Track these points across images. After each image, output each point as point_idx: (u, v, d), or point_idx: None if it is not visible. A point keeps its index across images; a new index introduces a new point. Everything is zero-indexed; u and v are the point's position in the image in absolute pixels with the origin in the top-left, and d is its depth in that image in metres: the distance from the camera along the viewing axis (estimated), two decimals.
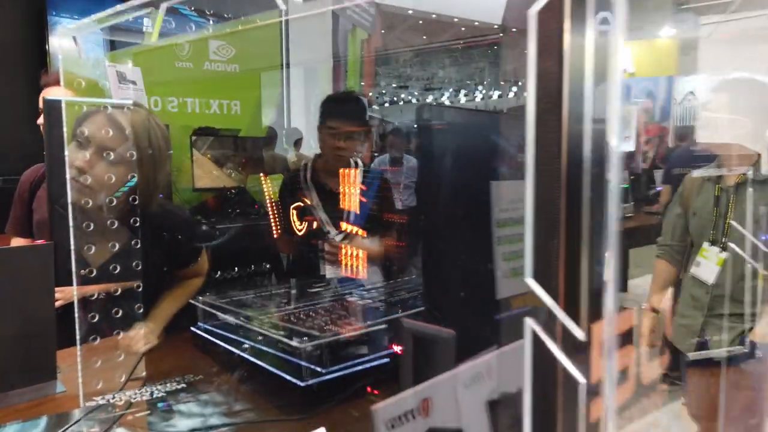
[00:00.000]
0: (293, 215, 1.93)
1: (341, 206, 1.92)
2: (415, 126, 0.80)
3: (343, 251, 1.89)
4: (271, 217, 2.02)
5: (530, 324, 0.36)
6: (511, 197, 0.85)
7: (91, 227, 0.96)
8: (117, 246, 1.08)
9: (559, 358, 0.34)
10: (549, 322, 0.35)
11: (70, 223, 0.88)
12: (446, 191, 0.80)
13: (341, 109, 1.89)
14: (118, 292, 1.00)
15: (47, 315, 1.18)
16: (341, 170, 1.93)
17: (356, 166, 1.95)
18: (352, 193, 1.93)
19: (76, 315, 0.91)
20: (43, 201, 1.54)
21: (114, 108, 1.14)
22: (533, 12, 0.36)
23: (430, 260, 0.78)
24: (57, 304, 1.19)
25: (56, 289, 1.16)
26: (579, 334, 0.33)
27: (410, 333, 0.51)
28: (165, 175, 1.42)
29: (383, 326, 1.19)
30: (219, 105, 3.18)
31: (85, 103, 1.11)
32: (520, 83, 13.60)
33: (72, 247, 0.89)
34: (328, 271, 1.89)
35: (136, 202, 1.10)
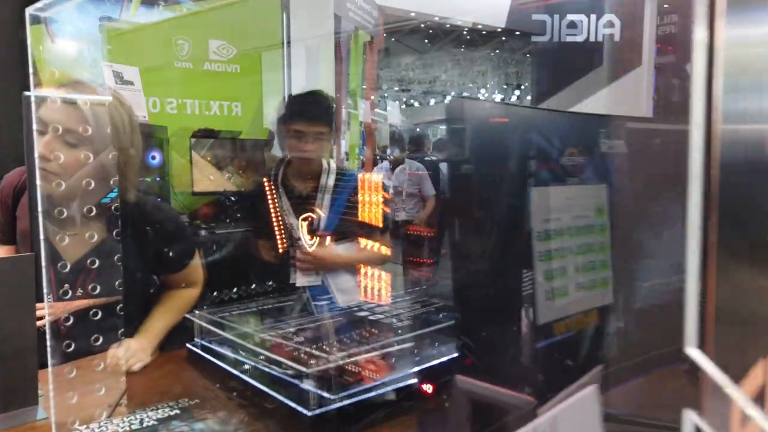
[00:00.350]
0: (302, 227, 1.83)
1: (312, 211, 1.83)
2: (446, 123, 0.68)
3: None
4: (274, 222, 1.91)
5: (693, 420, 0.26)
6: (554, 206, 0.73)
7: (64, 214, 0.85)
8: (94, 240, 0.97)
9: None
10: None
11: (40, 217, 0.78)
12: (480, 200, 0.69)
13: (306, 110, 1.79)
14: (99, 316, 0.89)
15: (28, 334, 1.07)
16: (312, 173, 1.84)
17: (329, 167, 1.85)
18: (323, 196, 1.83)
19: (48, 334, 0.81)
20: (27, 208, 1.43)
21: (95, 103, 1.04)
22: None
23: (463, 283, 0.67)
24: (41, 322, 1.08)
25: (44, 305, 1.05)
26: None
27: (466, 395, 0.39)
28: (136, 163, 1.30)
29: (402, 347, 1.08)
30: (219, 106, 3.08)
31: (64, 99, 1.02)
32: (522, 86, 13.52)
33: (41, 238, 0.78)
34: (299, 280, 1.80)
35: (118, 212, 0.99)
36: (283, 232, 1.84)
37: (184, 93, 2.97)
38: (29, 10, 0.68)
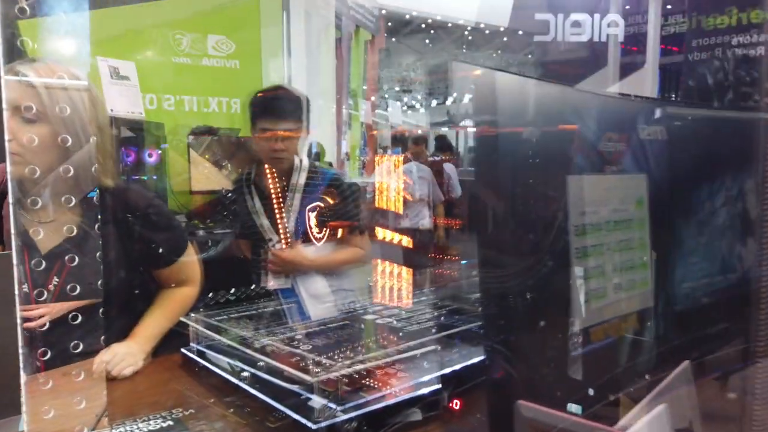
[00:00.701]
0: (309, 219, 1.75)
1: (281, 211, 1.76)
2: (473, 100, 0.61)
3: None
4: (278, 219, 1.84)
5: None
6: (594, 197, 0.65)
7: (38, 203, 0.79)
8: (73, 234, 0.90)
9: None
10: None
11: (11, 205, 0.71)
12: (512, 190, 0.61)
13: (272, 108, 1.73)
14: (78, 320, 0.81)
15: (10, 339, 0.99)
16: (283, 172, 1.77)
17: (300, 165, 1.78)
18: (294, 196, 1.76)
19: (19, 341, 0.73)
20: None
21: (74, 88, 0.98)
22: None
23: (492, 282, 0.59)
24: (42, 320, 1.00)
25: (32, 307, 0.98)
26: None
27: (529, 424, 0.32)
28: (107, 147, 1.23)
29: (412, 353, 1.00)
30: (218, 103, 3.02)
31: (42, 84, 0.95)
32: None
33: (12, 231, 0.71)
34: (270, 283, 1.72)
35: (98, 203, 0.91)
36: (256, 233, 1.77)
37: (182, 89, 2.91)
38: None
